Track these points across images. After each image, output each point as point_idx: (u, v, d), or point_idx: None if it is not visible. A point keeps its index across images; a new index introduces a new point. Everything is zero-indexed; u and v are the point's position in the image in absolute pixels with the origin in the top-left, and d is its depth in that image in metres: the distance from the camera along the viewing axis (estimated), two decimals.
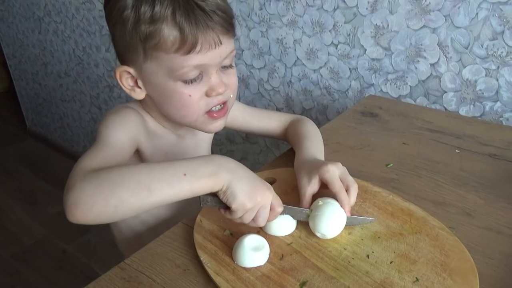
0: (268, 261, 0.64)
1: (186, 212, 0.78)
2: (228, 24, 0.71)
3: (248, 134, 1.69)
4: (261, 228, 0.71)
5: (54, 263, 2.07)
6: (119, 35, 0.72)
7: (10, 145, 3.15)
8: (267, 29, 1.47)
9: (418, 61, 1.17)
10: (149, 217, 0.88)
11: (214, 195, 0.64)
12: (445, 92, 1.16)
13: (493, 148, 0.92)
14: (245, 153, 1.78)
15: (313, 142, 0.88)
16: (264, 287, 0.60)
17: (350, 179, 0.72)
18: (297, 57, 1.43)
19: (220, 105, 0.77)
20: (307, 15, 1.34)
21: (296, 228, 0.71)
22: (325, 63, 1.37)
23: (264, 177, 0.83)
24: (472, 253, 0.64)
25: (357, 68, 1.30)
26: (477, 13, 1.03)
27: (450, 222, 0.72)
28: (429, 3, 1.09)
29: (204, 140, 0.95)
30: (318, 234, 0.68)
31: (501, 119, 1.09)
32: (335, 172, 0.72)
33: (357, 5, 1.22)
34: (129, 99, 0.81)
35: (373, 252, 0.65)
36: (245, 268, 0.63)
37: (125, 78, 0.76)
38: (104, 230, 1.05)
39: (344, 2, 1.24)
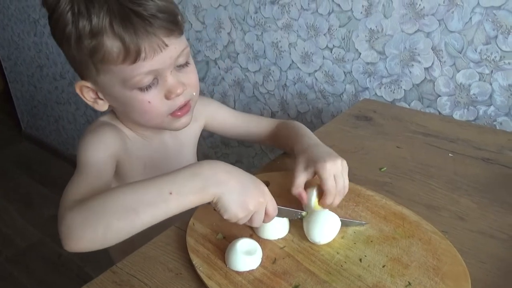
0: (260, 265, 0.64)
1: (176, 218, 0.77)
2: (172, 25, 0.69)
3: (237, 140, 1.69)
4: (253, 231, 0.71)
5: (49, 266, 2.06)
6: (67, 51, 0.70)
7: (5, 148, 3.14)
8: (262, 33, 1.47)
9: (412, 65, 1.17)
10: None
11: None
12: (439, 96, 1.16)
13: (486, 152, 0.93)
14: (240, 156, 1.78)
15: (310, 134, 0.87)
16: None
17: (340, 183, 0.71)
18: (292, 61, 1.44)
19: None
20: (302, 18, 1.34)
21: (289, 231, 0.71)
22: (320, 67, 1.37)
23: None
24: (465, 257, 0.64)
25: (351, 71, 1.30)
26: (470, 18, 1.04)
27: (443, 226, 0.72)
28: (423, 7, 1.10)
29: (187, 144, 0.94)
30: (312, 241, 0.68)
31: (494, 123, 1.10)
32: (331, 171, 0.71)
33: (351, 9, 1.22)
34: None
35: (365, 256, 0.65)
36: (237, 272, 0.63)
37: (86, 92, 0.75)
38: None
39: (339, 6, 1.24)
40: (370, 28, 1.21)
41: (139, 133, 0.84)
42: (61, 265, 2.05)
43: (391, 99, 1.26)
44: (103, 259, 1.01)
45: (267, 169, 0.89)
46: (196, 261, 0.65)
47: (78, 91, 0.75)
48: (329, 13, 1.27)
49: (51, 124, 2.91)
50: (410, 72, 1.18)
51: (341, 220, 0.69)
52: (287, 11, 1.37)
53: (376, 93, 1.28)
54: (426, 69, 1.15)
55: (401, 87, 1.22)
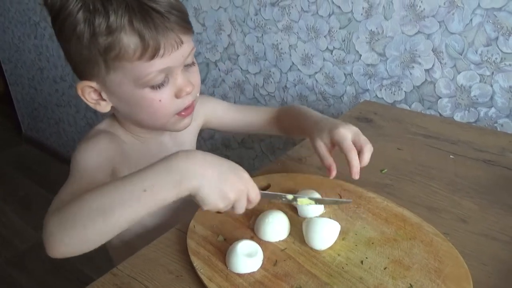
0: (261, 267, 0.64)
1: (175, 220, 0.77)
2: (185, 22, 0.70)
3: (237, 132, 1.68)
4: (254, 233, 0.70)
5: (48, 268, 2.05)
6: (74, 51, 0.69)
7: (5, 150, 3.14)
8: (262, 35, 1.47)
9: (413, 66, 1.17)
10: (138, 226, 0.86)
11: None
12: (440, 97, 1.16)
13: (487, 154, 0.93)
14: (240, 158, 1.78)
15: (314, 112, 0.87)
16: None
17: (363, 139, 0.72)
18: (293, 63, 1.43)
19: None
20: (302, 20, 1.34)
21: (290, 234, 0.70)
22: (320, 69, 1.37)
23: (258, 182, 0.83)
24: (466, 259, 0.64)
25: (352, 73, 1.30)
26: (471, 19, 1.04)
27: (445, 228, 0.72)
28: (424, 9, 1.09)
29: (187, 144, 0.94)
30: (311, 247, 0.68)
31: (495, 125, 1.10)
32: (347, 134, 0.72)
33: (352, 11, 1.22)
34: None
35: (367, 258, 0.65)
36: (238, 274, 0.63)
37: (88, 93, 0.74)
38: None
39: (339, 8, 1.24)
40: (371, 30, 1.21)
41: (138, 136, 0.84)
42: (61, 267, 2.05)
43: (392, 101, 1.26)
44: (102, 261, 1.01)
45: (267, 171, 0.88)
46: (197, 263, 0.65)
47: (79, 92, 0.74)
48: (330, 15, 1.27)
49: (51, 126, 2.91)
50: (411, 73, 1.18)
51: (326, 199, 0.70)
52: (287, 13, 1.37)
53: (376, 95, 1.28)
54: (427, 70, 1.15)
55: (402, 89, 1.22)
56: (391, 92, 1.25)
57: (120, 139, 0.82)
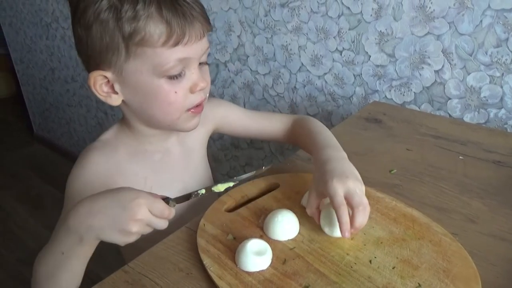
0: (270, 265, 0.65)
1: (180, 224, 0.77)
2: (206, 16, 0.73)
3: (249, 138, 1.69)
4: (264, 232, 0.71)
5: None
6: (94, 38, 0.69)
7: (17, 150, 3.17)
8: (272, 36, 1.48)
9: (423, 67, 1.17)
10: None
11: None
12: (450, 98, 1.16)
13: (497, 155, 0.92)
14: (250, 158, 1.79)
15: (326, 136, 0.84)
16: None
17: (356, 200, 0.65)
18: (302, 63, 1.44)
19: None
20: (311, 21, 1.35)
21: (299, 232, 0.71)
22: (329, 69, 1.38)
23: (268, 182, 0.84)
24: (475, 260, 0.64)
25: (361, 74, 1.31)
26: (481, 20, 1.04)
27: (454, 229, 0.72)
28: (433, 10, 1.10)
29: (196, 150, 0.93)
30: (326, 231, 0.69)
31: (505, 126, 1.09)
32: (337, 189, 0.66)
33: (361, 12, 1.23)
34: None
35: (375, 257, 0.65)
36: (247, 272, 0.63)
37: (99, 85, 0.73)
38: None
39: (349, 9, 1.25)
40: (380, 31, 1.21)
41: (143, 141, 0.83)
42: None
43: (401, 102, 1.26)
44: (111, 259, 1.02)
45: (276, 171, 0.89)
46: (206, 261, 0.66)
47: (91, 83, 0.73)
48: (339, 16, 1.28)
49: (63, 126, 2.94)
50: (420, 74, 1.18)
51: (242, 176, 0.68)
52: (297, 14, 1.38)
53: (386, 96, 1.28)
54: (436, 71, 1.15)
55: (411, 90, 1.22)
56: (401, 93, 1.25)
57: (116, 152, 0.82)
